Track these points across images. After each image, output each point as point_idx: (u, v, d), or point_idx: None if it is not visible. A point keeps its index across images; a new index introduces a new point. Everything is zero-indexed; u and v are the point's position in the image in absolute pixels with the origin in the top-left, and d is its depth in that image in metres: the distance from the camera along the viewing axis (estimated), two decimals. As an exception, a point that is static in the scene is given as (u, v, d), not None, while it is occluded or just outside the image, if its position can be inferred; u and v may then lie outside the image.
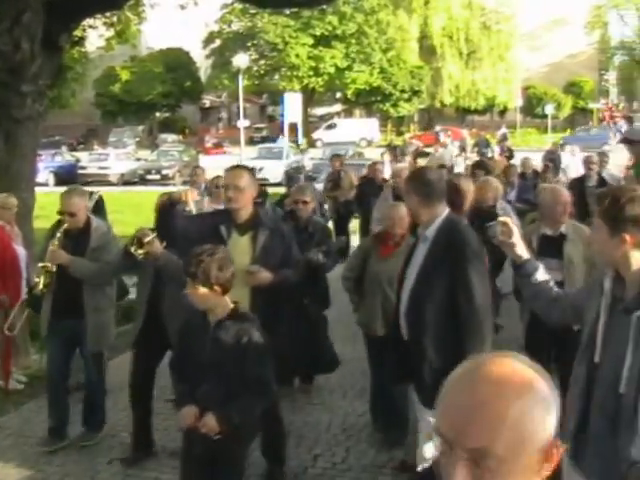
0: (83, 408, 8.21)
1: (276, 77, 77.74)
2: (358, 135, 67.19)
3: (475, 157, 30.59)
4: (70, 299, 7.73)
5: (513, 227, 4.53)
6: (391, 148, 30.10)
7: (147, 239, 7.06)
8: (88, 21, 17.58)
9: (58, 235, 7.63)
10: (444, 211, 5.63)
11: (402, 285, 5.83)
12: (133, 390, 7.76)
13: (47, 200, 17.64)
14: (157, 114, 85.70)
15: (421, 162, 24.95)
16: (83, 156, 52.66)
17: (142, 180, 43.54)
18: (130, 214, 22.40)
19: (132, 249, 7.06)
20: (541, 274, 4.57)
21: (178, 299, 6.14)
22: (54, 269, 7.63)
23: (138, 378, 7.72)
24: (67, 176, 43.35)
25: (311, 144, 64.63)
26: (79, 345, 8.03)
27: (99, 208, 10.70)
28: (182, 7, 19.37)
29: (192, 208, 6.46)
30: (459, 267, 5.41)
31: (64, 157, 50.59)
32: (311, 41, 74.23)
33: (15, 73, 10.97)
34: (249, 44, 77.28)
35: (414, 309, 5.60)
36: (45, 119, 12.03)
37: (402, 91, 77.17)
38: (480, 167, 13.97)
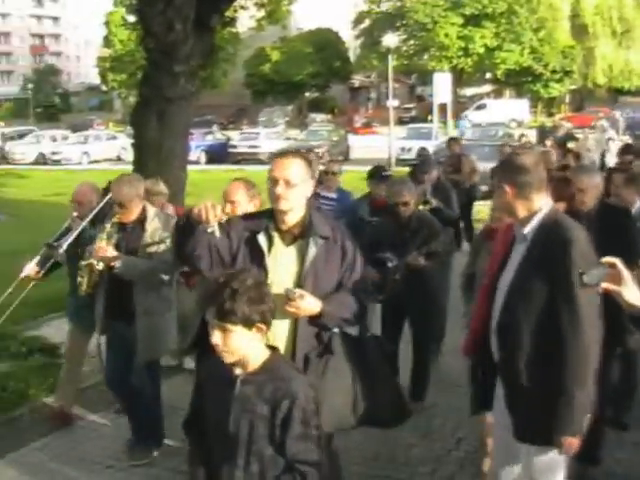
0: (132, 424, 7.47)
1: (425, 57, 77.41)
2: (508, 116, 66.10)
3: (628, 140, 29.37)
4: (122, 299, 6.90)
5: (622, 270, 3.65)
6: (541, 130, 29.47)
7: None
8: (239, 2, 17.82)
9: (107, 228, 6.89)
10: (546, 205, 4.64)
11: (492, 294, 4.86)
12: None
13: (199, 178, 18.12)
14: (306, 94, 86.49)
15: (571, 146, 24.18)
16: (234, 135, 53.61)
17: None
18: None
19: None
20: None
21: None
22: (101, 267, 6.86)
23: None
24: (218, 155, 44.34)
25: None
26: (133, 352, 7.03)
27: None
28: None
29: (215, 229, 4.66)
30: (562, 274, 4.36)
31: (215, 136, 51.59)
32: (461, 20, 73.59)
33: (168, 54, 11.22)
34: (398, 24, 77.17)
35: (509, 325, 4.60)
36: (197, 99, 12.27)
37: (553, 71, 75.72)
38: (629, 151, 13.08)
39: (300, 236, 4.94)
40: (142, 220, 7.00)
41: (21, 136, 56.43)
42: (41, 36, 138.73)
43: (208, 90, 46.78)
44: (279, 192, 4.78)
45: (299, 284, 4.82)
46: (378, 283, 7.11)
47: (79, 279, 7.04)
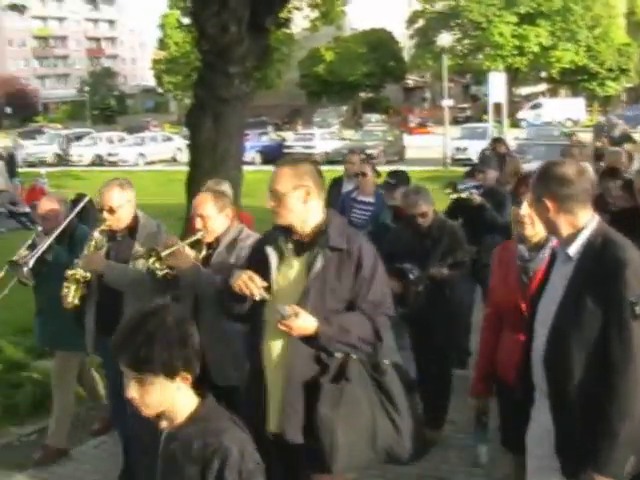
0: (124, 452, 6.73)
1: (479, 56, 76.98)
2: (564, 115, 65.62)
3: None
4: (116, 312, 6.11)
5: None
6: (598, 128, 29.17)
7: (166, 251, 5.42)
8: (294, 3, 17.88)
9: (95, 236, 6.30)
10: (592, 221, 4.06)
11: (532, 318, 4.34)
12: None
13: (254, 178, 18.19)
14: (361, 94, 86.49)
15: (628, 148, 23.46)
16: (288, 135, 53.92)
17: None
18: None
19: (149, 263, 5.54)
20: None
21: (218, 329, 5.33)
22: (88, 277, 6.27)
23: None
24: (273, 155, 44.43)
25: (515, 124, 63.67)
26: None
27: (86, 213, 8.70)
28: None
29: (263, 294, 4.36)
30: (614, 299, 3.83)
31: (270, 136, 51.93)
32: (515, 19, 73.16)
33: (222, 55, 11.28)
34: (452, 23, 76.90)
35: (557, 353, 4.03)
36: (252, 100, 12.31)
37: (609, 69, 75.03)
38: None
39: (310, 247, 4.55)
40: (133, 228, 6.45)
41: (78, 138, 57.12)
42: (97, 39, 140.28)
43: (263, 91, 47.00)
44: (271, 205, 4.58)
45: (301, 300, 4.42)
46: (400, 296, 6.72)
47: (64, 290, 6.30)
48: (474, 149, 37.80)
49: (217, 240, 5.72)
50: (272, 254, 4.58)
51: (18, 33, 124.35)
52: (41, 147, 55.48)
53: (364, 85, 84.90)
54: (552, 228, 4.16)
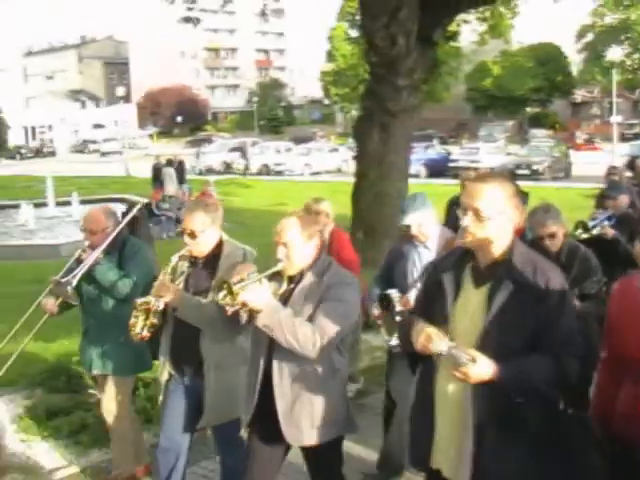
0: None
1: (651, 71, 74.94)
2: None
3: None
4: (190, 347, 5.64)
5: None
6: None
7: (238, 285, 4.63)
8: (462, 16, 17.83)
9: (173, 261, 5.64)
10: None
11: None
12: None
13: (419, 191, 18.20)
14: (527, 109, 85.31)
15: None
16: (454, 149, 53.58)
17: (511, 174, 43.30)
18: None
19: (219, 298, 4.68)
20: None
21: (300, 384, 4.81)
22: (160, 307, 5.57)
23: None
24: (438, 168, 44.40)
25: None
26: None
27: (138, 223, 7.84)
28: (555, 0, 19.11)
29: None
30: None
31: (435, 150, 51.72)
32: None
33: (391, 67, 11.38)
34: (622, 37, 75.03)
35: None
36: (419, 112, 12.36)
37: None
38: None
39: (492, 277, 3.92)
40: (216, 256, 5.72)
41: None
42: (266, 51, 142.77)
43: (429, 104, 46.88)
44: (465, 224, 3.90)
45: (480, 339, 3.84)
46: None
47: (132, 320, 5.67)
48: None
49: (301, 273, 4.94)
50: (449, 283, 4.03)
51: (190, 45, 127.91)
52: (209, 155, 56.97)
53: (531, 99, 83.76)
54: None
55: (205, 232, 5.58)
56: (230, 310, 4.68)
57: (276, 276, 4.86)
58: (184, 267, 5.74)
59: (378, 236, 8.07)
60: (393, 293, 6.47)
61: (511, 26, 37.41)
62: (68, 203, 26.69)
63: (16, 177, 52.74)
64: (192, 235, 5.56)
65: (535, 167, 43.10)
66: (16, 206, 26.76)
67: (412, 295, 6.25)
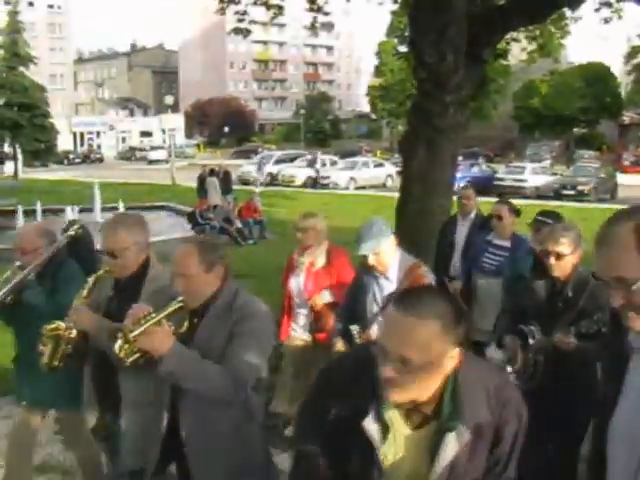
0: None
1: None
2: None
3: None
4: (106, 382, 5.03)
5: None
6: None
7: (135, 332, 4.03)
8: (512, 34, 17.80)
9: (88, 284, 5.05)
10: None
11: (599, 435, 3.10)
12: None
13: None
14: (574, 129, 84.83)
15: None
16: (499, 168, 53.41)
17: (556, 194, 43.11)
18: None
19: (117, 347, 4.11)
20: None
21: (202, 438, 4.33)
22: (72, 334, 4.97)
23: None
24: (483, 186, 44.24)
25: None
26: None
27: (77, 245, 6.52)
28: (606, 21, 19.04)
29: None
30: None
31: (481, 167, 51.57)
32: None
33: (439, 84, 11.37)
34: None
35: None
36: (466, 129, 12.35)
37: None
38: None
39: (435, 417, 3.04)
40: (139, 278, 5.02)
41: (292, 159, 58.59)
42: (314, 64, 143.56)
43: (476, 121, 46.85)
44: (387, 375, 2.89)
45: None
46: (520, 370, 5.77)
47: (40, 347, 5.06)
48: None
49: (205, 306, 4.41)
50: (375, 431, 3.06)
51: (240, 56, 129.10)
52: (269, 167, 56.90)
53: (578, 120, 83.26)
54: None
55: (127, 250, 4.93)
56: (129, 361, 4.16)
57: (178, 312, 4.24)
58: (108, 290, 5.11)
59: (420, 253, 8.00)
60: (354, 329, 6.43)
61: (561, 45, 37.23)
62: (114, 209, 26.95)
63: (64, 181, 53.22)
64: (112, 255, 4.92)
65: (580, 188, 42.85)
66: (61, 210, 26.99)
67: (373, 330, 6.23)
